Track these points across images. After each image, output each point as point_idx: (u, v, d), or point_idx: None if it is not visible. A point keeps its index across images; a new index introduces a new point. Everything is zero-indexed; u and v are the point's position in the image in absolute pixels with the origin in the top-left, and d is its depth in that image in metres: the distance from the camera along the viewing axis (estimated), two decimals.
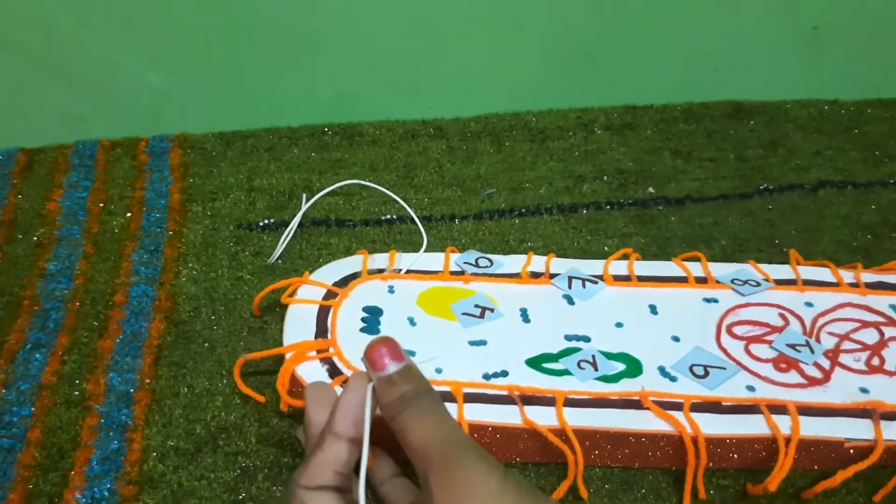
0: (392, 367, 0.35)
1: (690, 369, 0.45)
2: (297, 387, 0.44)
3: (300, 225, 0.57)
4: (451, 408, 0.42)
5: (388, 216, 0.59)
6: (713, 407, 0.43)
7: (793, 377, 0.45)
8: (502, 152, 0.66)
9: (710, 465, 0.42)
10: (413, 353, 0.45)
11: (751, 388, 0.44)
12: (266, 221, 0.58)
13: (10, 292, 0.52)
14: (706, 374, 0.45)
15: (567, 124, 0.69)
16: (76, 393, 0.45)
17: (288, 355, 0.44)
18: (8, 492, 0.40)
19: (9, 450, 0.42)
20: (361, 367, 0.43)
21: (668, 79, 0.73)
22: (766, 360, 0.46)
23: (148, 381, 0.46)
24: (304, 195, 0.60)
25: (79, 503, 0.40)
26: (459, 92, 0.71)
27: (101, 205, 0.59)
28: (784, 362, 0.46)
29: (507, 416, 0.42)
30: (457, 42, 0.69)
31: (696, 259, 0.53)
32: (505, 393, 0.43)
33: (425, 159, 0.65)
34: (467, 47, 0.69)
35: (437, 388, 0.43)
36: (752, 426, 0.42)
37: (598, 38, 0.70)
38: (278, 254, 0.55)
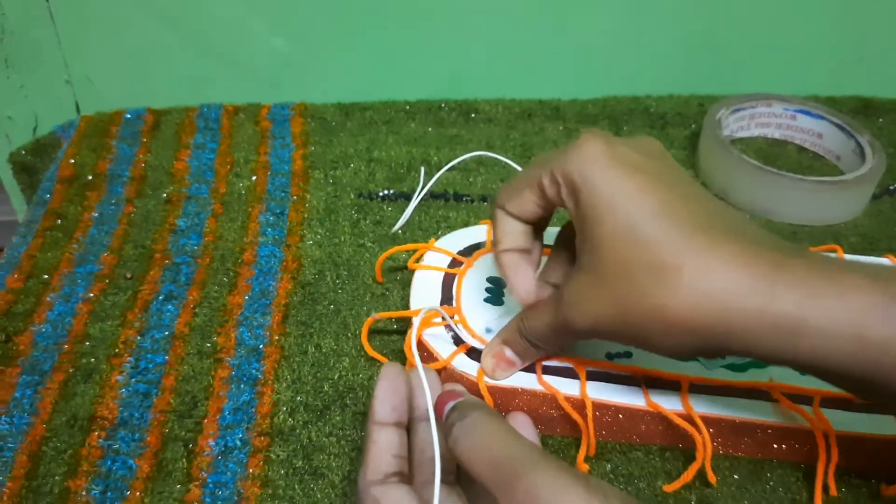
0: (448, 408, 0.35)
1: None
2: (422, 350, 0.44)
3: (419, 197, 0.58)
4: (574, 385, 0.42)
5: None
6: (843, 404, 0.42)
7: None
8: (621, 136, 0.65)
9: (840, 462, 0.41)
10: None
11: None
12: (385, 192, 0.59)
13: (142, 245, 0.53)
14: None
15: (688, 111, 0.67)
16: (208, 345, 0.47)
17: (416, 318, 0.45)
18: (146, 434, 0.42)
19: (145, 394, 0.44)
20: (485, 336, 0.44)
21: (793, 70, 0.71)
22: None
23: (277, 337, 0.47)
24: (423, 168, 0.61)
25: (213, 450, 0.41)
26: (577, 73, 0.71)
27: (228, 167, 0.60)
28: None
29: (631, 397, 0.42)
30: (576, 22, 0.68)
31: (832, 252, 0.52)
32: (628, 374, 0.43)
33: (542, 139, 0.65)
34: (586, 27, 0.68)
35: (559, 364, 0.43)
36: (884, 426, 0.41)
37: (723, 24, 0.68)
38: (402, 223, 0.55)
